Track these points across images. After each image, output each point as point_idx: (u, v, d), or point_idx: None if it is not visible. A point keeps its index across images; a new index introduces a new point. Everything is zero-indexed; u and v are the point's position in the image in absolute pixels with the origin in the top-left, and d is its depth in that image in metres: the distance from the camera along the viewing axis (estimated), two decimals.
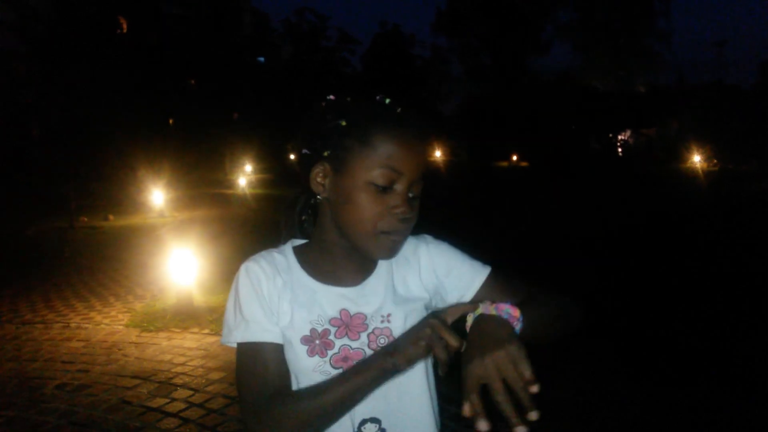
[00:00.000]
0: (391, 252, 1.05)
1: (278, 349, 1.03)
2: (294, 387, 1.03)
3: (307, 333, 1.04)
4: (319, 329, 1.04)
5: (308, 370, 1.02)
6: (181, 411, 3.57)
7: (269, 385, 0.99)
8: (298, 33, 36.67)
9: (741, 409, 3.53)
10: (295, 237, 1.16)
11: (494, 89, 39.15)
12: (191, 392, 3.83)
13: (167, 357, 4.50)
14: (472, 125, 35.30)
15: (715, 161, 29.78)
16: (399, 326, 1.06)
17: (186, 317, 5.39)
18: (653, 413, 3.52)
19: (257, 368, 1.01)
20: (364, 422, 1.04)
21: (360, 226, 1.01)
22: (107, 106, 16.91)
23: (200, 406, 3.63)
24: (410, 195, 1.03)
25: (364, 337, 1.05)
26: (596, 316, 5.18)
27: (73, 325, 5.45)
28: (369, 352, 1.03)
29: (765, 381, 3.79)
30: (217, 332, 5.03)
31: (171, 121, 22.95)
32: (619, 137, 38.96)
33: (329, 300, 1.07)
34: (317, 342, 1.03)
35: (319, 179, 1.05)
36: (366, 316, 1.07)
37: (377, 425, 1.05)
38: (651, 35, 45.78)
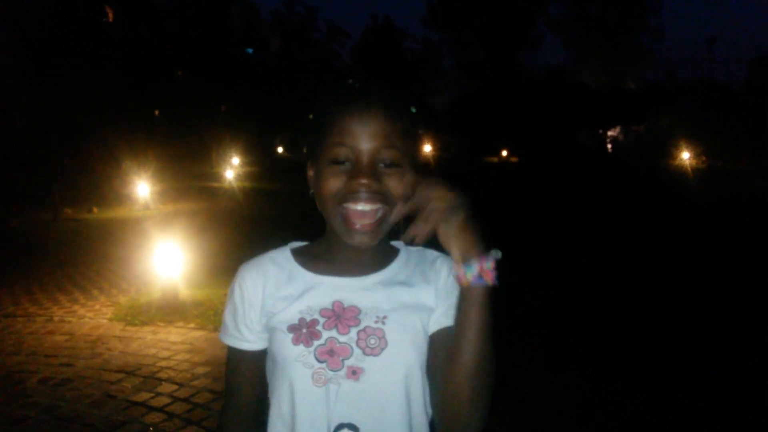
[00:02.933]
0: (360, 232, 1.00)
1: (253, 358, 1.11)
2: (279, 377, 1.03)
3: (295, 322, 1.03)
4: (308, 318, 1.03)
5: (291, 359, 1.00)
6: (166, 405, 3.53)
7: (240, 392, 1.14)
8: (287, 25, 36.45)
9: (741, 409, 3.54)
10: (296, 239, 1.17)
11: (486, 84, 39.20)
12: (176, 387, 3.79)
13: (152, 351, 4.45)
14: (463, 121, 35.35)
15: (705, 158, 30.04)
16: (395, 330, 1.02)
17: (171, 311, 5.34)
18: (653, 413, 3.52)
19: (232, 373, 1.15)
20: (340, 427, 1.00)
21: (324, 204, 1.02)
22: (92, 97, 16.71)
23: (185, 400, 3.60)
24: (381, 165, 0.99)
25: (353, 332, 1.02)
26: (596, 316, 5.24)
27: (56, 318, 5.38)
28: (356, 350, 1.00)
29: (765, 381, 3.80)
30: (203, 326, 4.99)
31: (157, 113, 22.74)
32: (609, 133, 39.18)
33: (324, 291, 1.06)
34: (303, 331, 1.02)
35: (310, 176, 1.07)
36: (360, 311, 1.04)
37: None
38: (643, 31, 46.03)
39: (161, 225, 9.98)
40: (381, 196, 0.99)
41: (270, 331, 1.07)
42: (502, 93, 35.11)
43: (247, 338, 1.11)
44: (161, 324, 5.07)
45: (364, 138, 0.98)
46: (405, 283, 1.09)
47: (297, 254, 1.12)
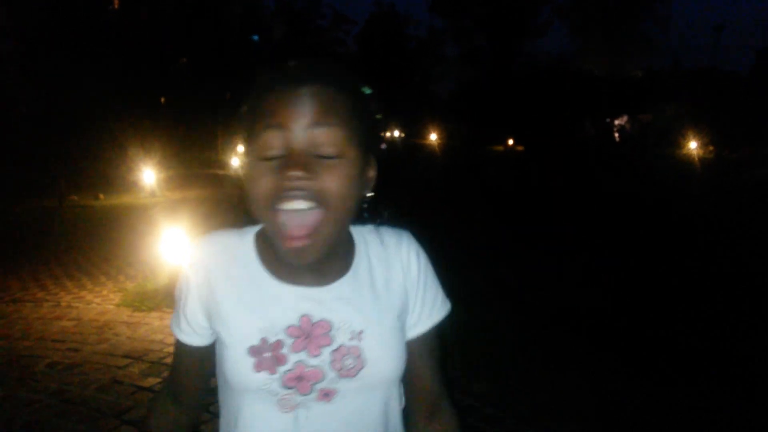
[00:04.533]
0: (297, 238, 0.82)
1: (193, 352, 0.99)
2: (233, 400, 0.91)
3: (256, 343, 0.87)
4: (271, 340, 0.87)
5: (251, 387, 0.87)
6: None
7: (179, 383, 1.04)
8: (291, 11, 36.29)
9: (741, 409, 3.52)
10: None
11: (490, 72, 39.00)
12: None
13: (159, 337, 4.47)
14: (467, 109, 35.23)
15: (711, 148, 29.86)
16: (373, 347, 0.89)
17: None
18: (653, 413, 3.49)
19: (176, 359, 1.04)
20: None
21: (257, 211, 0.86)
22: (97, 84, 16.70)
23: None
24: (319, 154, 0.82)
25: (326, 353, 0.88)
26: (596, 315, 5.20)
27: (63, 304, 5.40)
28: (330, 373, 0.88)
29: (765, 381, 3.78)
30: None
31: (162, 100, 22.72)
32: (615, 122, 38.97)
33: (288, 303, 0.89)
34: (266, 355, 0.86)
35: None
36: (331, 326, 0.89)
37: None
38: (648, 19, 45.65)
39: (168, 211, 10.00)
40: (320, 193, 0.81)
41: (219, 342, 0.92)
42: (506, 81, 34.92)
43: (184, 329, 0.96)
44: (168, 310, 5.08)
45: (298, 116, 0.81)
46: (374, 284, 0.94)
47: (260, 247, 0.94)
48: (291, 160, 0.81)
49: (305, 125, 0.81)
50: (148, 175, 13.65)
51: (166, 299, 5.32)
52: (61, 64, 16.80)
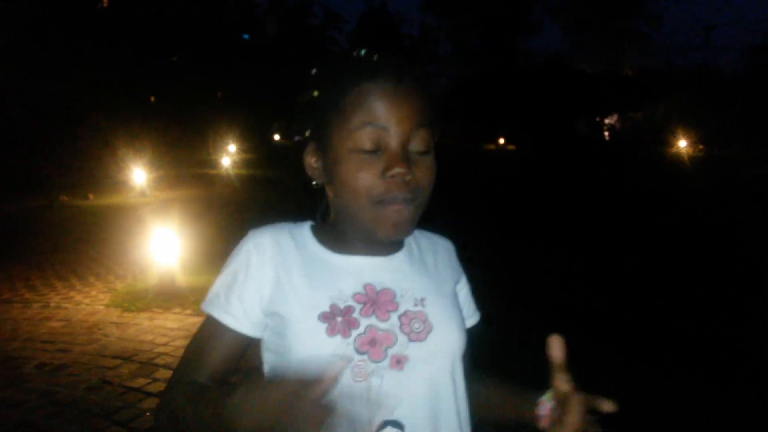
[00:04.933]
0: (397, 227, 0.88)
1: (231, 340, 0.92)
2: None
3: (327, 309, 0.87)
4: (341, 305, 0.88)
5: (326, 353, 0.85)
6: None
7: (201, 369, 0.91)
8: (283, 9, 36.20)
9: (743, 407, 3.52)
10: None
11: (482, 71, 39.07)
12: (173, 372, 3.80)
13: (149, 337, 4.46)
14: (460, 107, 35.29)
15: (701, 146, 30.05)
16: (436, 313, 0.93)
17: (168, 297, 5.35)
18: (655, 411, 3.50)
19: (205, 346, 0.93)
20: (384, 425, 0.87)
21: (354, 202, 0.88)
22: (88, 82, 16.60)
23: None
24: (413, 150, 0.88)
25: (394, 318, 0.90)
26: (595, 312, 5.20)
27: (52, 304, 5.38)
28: (401, 336, 0.89)
29: (765, 375, 3.80)
30: (200, 312, 4.98)
31: (153, 99, 22.62)
32: (606, 121, 39.14)
33: (352, 273, 0.92)
34: (339, 320, 0.87)
35: (312, 164, 0.94)
36: (394, 293, 0.92)
37: (399, 430, 0.88)
38: (640, 17, 45.87)
39: (158, 211, 9.97)
40: (416, 189, 0.88)
41: (279, 320, 0.89)
42: (498, 79, 34.99)
43: (234, 312, 0.92)
44: (158, 310, 5.07)
45: (401, 117, 0.85)
46: (425, 263, 1.00)
47: (317, 232, 0.98)
48: (396, 159, 0.85)
49: (409, 127, 0.86)
50: (138, 174, 13.62)
51: (156, 299, 5.31)
52: (51, 63, 16.69)
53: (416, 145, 0.88)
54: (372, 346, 0.87)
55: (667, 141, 30.67)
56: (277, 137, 34.62)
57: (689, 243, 8.23)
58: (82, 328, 4.71)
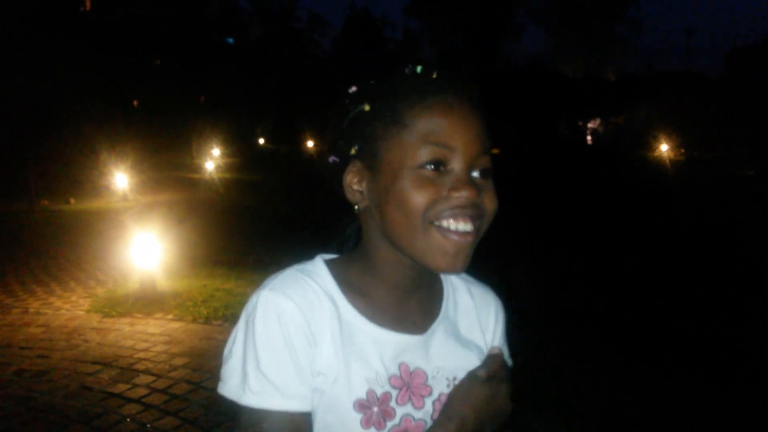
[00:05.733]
0: (456, 257, 0.79)
1: (307, 421, 0.78)
2: None
3: (363, 396, 0.79)
4: (378, 392, 0.80)
5: None
6: (143, 397, 3.52)
7: None
8: (267, 13, 36.13)
9: (743, 406, 3.56)
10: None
11: (465, 73, 39.30)
12: (154, 378, 3.78)
13: (129, 342, 4.43)
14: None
15: (683, 149, 30.43)
16: None
17: (149, 302, 5.31)
18: (654, 409, 3.53)
19: None
20: None
21: (408, 224, 0.78)
22: (68, 84, 16.45)
23: (163, 391, 3.59)
24: (474, 174, 0.80)
25: (428, 404, 0.83)
26: (592, 312, 5.21)
27: (32, 310, 5.32)
28: (429, 424, 0.83)
29: (765, 375, 3.84)
30: (181, 317, 4.97)
31: (136, 103, 22.45)
32: (589, 125, 39.52)
33: (387, 350, 0.82)
34: (375, 410, 0.79)
35: (354, 186, 0.83)
36: (427, 376, 0.84)
37: None
38: (622, 21, 46.44)
39: (140, 216, 9.90)
40: (480, 213, 0.80)
41: (316, 392, 0.79)
42: (481, 83, 35.19)
43: (299, 393, 0.77)
44: (139, 315, 5.04)
45: (468, 140, 0.78)
46: (458, 330, 0.91)
47: (345, 290, 0.84)
48: (465, 181, 0.78)
49: (476, 151, 0.79)
50: (120, 179, 13.50)
51: (137, 305, 5.27)
52: (32, 66, 16.51)
53: (479, 171, 0.81)
54: None
55: (648, 144, 31.03)
56: (261, 141, 34.53)
57: (688, 243, 8.27)
58: (62, 333, 4.67)
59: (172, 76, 23.67)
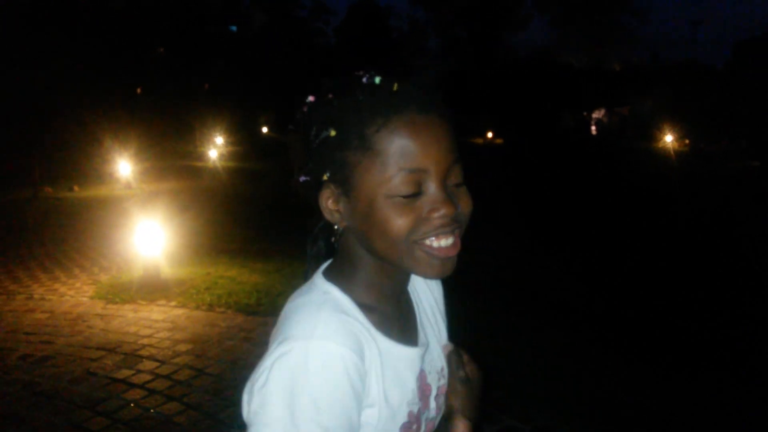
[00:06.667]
0: (444, 265, 0.80)
1: None
2: None
3: (406, 419, 0.82)
4: (414, 410, 0.83)
5: None
6: (147, 382, 3.55)
7: None
8: (270, 0, 35.95)
9: (742, 405, 3.56)
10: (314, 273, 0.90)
11: (470, 64, 39.11)
12: (157, 364, 3.81)
13: (133, 329, 4.46)
14: (448, 101, 35.32)
15: (687, 141, 30.32)
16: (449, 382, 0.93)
17: (153, 289, 5.34)
18: (655, 407, 3.54)
19: None
20: None
21: (393, 247, 0.78)
22: (72, 73, 16.44)
23: (166, 377, 3.62)
24: (450, 185, 0.80)
25: (433, 403, 0.89)
26: (591, 310, 5.18)
27: (36, 296, 5.35)
28: (437, 418, 0.90)
29: (765, 375, 3.84)
30: (185, 304, 4.99)
31: (139, 91, 22.42)
32: (593, 115, 39.36)
33: (410, 367, 0.85)
34: (414, 427, 0.83)
35: (331, 206, 0.82)
36: (427, 374, 0.88)
37: None
38: (627, 11, 46.08)
39: (143, 204, 9.92)
40: (459, 221, 0.81)
41: (362, 426, 0.78)
42: (487, 73, 35.04)
43: None
44: (143, 302, 5.07)
45: (440, 157, 0.77)
46: (427, 313, 0.96)
47: (370, 317, 0.83)
48: (442, 201, 0.77)
49: (446, 165, 0.78)
50: (124, 166, 13.52)
51: (140, 291, 5.30)
52: (34, 53, 16.49)
53: (453, 179, 0.80)
54: None
55: (653, 135, 30.91)
56: (264, 130, 34.48)
57: (688, 243, 8.22)
58: (66, 319, 4.70)
59: (175, 64, 23.62)
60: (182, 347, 4.09)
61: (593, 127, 39.63)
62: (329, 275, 0.86)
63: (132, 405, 3.28)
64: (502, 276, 6.11)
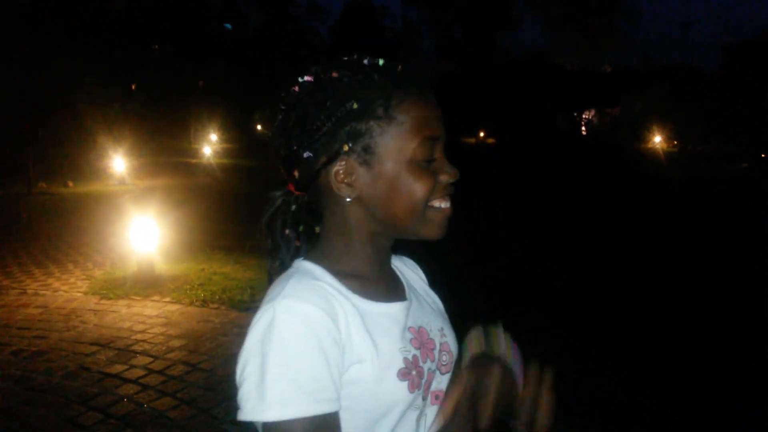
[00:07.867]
0: (445, 228, 0.89)
1: (337, 420, 0.78)
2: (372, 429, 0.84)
3: (402, 365, 0.84)
4: (410, 356, 0.86)
5: (407, 407, 0.85)
6: (140, 377, 3.56)
7: None
8: None
9: (742, 405, 3.59)
10: (295, 255, 0.94)
11: (464, 65, 39.16)
12: (151, 359, 3.82)
13: (127, 324, 4.46)
14: (441, 101, 35.36)
15: (676, 142, 30.47)
16: (452, 341, 0.96)
17: (147, 285, 5.34)
18: (655, 407, 3.57)
19: None
20: None
21: (410, 210, 0.85)
22: (67, 69, 16.37)
23: (160, 372, 3.63)
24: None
25: (437, 355, 0.92)
26: (591, 310, 5.21)
27: (30, 291, 5.35)
28: (437, 372, 0.91)
29: (765, 375, 3.88)
30: (179, 300, 4.99)
31: (134, 87, 22.34)
32: (584, 116, 39.48)
33: (399, 320, 0.89)
34: (413, 373, 0.85)
35: (341, 179, 0.85)
36: (427, 331, 0.92)
37: None
38: (619, 14, 46.23)
39: (138, 200, 9.90)
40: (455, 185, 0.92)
41: (357, 383, 0.81)
42: (480, 73, 35.09)
43: (332, 397, 0.77)
44: (137, 298, 5.07)
45: (442, 129, 0.89)
46: (418, 290, 1.02)
47: (335, 274, 0.87)
48: (448, 165, 0.89)
49: (445, 137, 0.90)
50: (119, 163, 13.49)
51: (135, 287, 5.30)
52: (29, 50, 16.41)
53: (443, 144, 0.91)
54: (427, 389, 0.89)
55: (643, 136, 31.04)
56: (259, 127, 34.42)
57: (688, 243, 8.24)
58: (60, 314, 4.70)
59: (170, 61, 23.55)
60: (176, 343, 4.10)
61: (583, 128, 39.76)
62: (309, 256, 0.91)
63: (125, 400, 3.29)
64: (502, 276, 6.13)
